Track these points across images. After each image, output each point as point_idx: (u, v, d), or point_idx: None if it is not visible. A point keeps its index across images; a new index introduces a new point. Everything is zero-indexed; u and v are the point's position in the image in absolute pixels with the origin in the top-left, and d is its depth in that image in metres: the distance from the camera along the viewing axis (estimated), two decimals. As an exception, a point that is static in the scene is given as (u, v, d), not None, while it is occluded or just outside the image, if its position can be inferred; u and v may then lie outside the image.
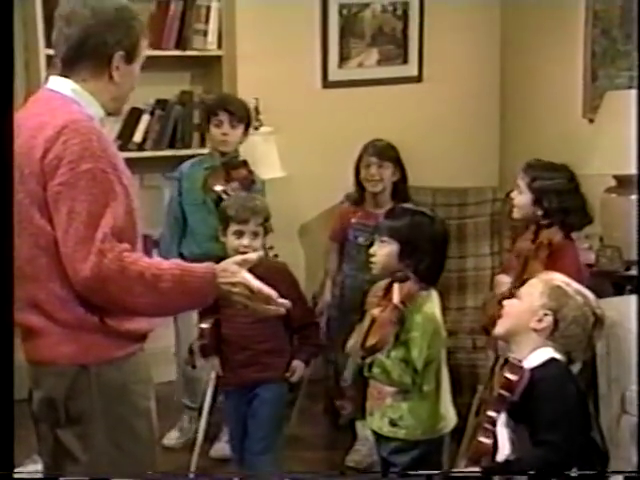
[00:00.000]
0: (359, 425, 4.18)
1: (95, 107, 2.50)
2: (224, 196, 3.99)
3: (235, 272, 2.39)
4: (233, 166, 4.19)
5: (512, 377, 2.51)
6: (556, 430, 2.49)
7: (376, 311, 3.10)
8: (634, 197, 4.27)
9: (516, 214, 3.64)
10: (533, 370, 2.55)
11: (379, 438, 3.20)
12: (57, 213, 2.33)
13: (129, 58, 2.51)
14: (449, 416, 3.17)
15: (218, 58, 5.02)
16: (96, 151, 2.35)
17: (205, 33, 4.97)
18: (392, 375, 3.03)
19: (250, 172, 4.24)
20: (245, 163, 4.24)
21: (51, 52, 4.62)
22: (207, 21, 4.97)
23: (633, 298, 3.65)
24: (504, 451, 2.57)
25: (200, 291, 2.38)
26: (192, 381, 4.44)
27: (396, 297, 3.05)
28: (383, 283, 3.19)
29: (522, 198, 3.56)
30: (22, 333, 2.47)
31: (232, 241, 3.46)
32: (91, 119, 2.44)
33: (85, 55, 2.48)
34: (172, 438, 4.45)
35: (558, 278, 2.71)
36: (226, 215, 3.52)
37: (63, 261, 2.33)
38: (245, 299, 2.39)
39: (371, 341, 3.04)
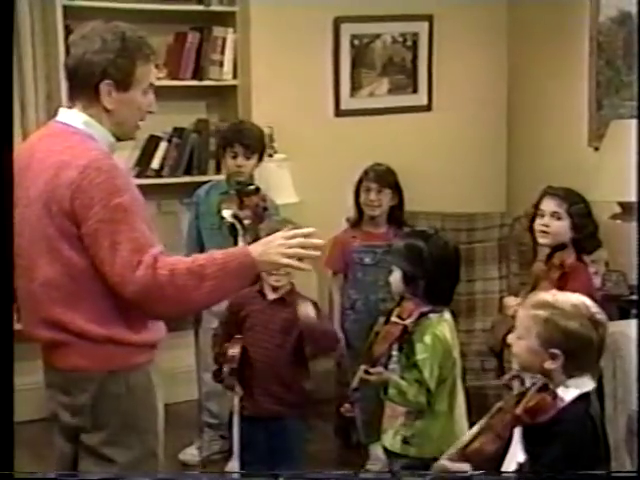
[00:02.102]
0: (371, 445, 4.16)
1: (103, 134, 2.54)
2: (236, 223, 3.99)
3: (268, 241, 2.50)
4: (246, 193, 4.20)
5: (548, 401, 2.41)
6: (558, 474, 2.40)
7: (380, 326, 3.10)
8: (638, 223, 4.27)
9: (550, 240, 3.58)
10: (561, 407, 2.44)
11: (390, 455, 3.20)
12: (100, 248, 2.40)
13: (122, 85, 2.52)
14: (463, 436, 3.15)
15: (233, 87, 5.05)
16: (120, 185, 2.42)
17: (221, 63, 5.00)
18: (408, 396, 3.03)
19: (263, 199, 4.24)
20: (258, 190, 4.25)
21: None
22: (223, 52, 4.99)
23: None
24: (515, 459, 2.52)
25: (242, 267, 2.47)
26: (210, 398, 4.44)
27: (394, 314, 3.07)
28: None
29: (561, 224, 3.55)
30: (48, 347, 2.58)
31: None
32: (103, 155, 2.47)
33: (77, 85, 2.54)
34: (189, 454, 4.46)
35: (544, 304, 2.52)
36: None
37: (115, 288, 2.42)
38: (284, 257, 2.47)
39: (371, 351, 3.05)
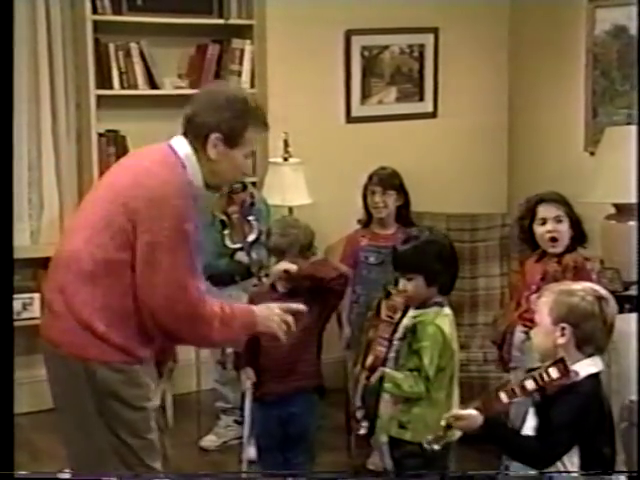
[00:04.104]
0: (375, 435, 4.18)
1: (196, 173, 2.63)
2: (225, 219, 4.13)
3: (270, 310, 2.75)
4: (234, 191, 4.27)
5: (555, 375, 2.46)
6: (560, 441, 2.49)
7: (371, 332, 3.09)
8: (632, 223, 4.27)
9: (560, 247, 3.55)
10: (573, 382, 2.51)
11: (391, 442, 3.18)
12: (143, 264, 2.51)
13: (230, 142, 2.62)
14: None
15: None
16: (189, 215, 2.53)
17: (239, 73, 5.01)
18: (403, 387, 3.01)
19: (251, 196, 4.31)
20: (245, 188, 4.32)
21: (101, 93, 4.76)
22: (241, 63, 5.01)
23: (632, 316, 3.63)
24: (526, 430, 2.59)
25: (249, 324, 2.70)
26: (223, 385, 4.49)
27: (384, 313, 3.04)
28: (373, 304, 3.19)
29: (564, 226, 3.55)
30: (45, 312, 2.68)
31: (272, 263, 3.53)
32: (186, 183, 2.58)
33: (190, 130, 2.64)
34: (208, 441, 4.47)
35: (553, 289, 2.67)
36: (267, 246, 3.60)
37: (150, 305, 2.53)
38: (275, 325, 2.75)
39: (368, 361, 3.04)
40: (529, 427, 2.61)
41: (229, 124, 2.60)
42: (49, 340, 2.61)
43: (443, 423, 2.59)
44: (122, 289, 2.54)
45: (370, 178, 4.47)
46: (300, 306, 2.85)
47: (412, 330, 3.04)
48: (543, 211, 3.59)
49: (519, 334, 3.63)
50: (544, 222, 3.58)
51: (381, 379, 3.03)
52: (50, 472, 2.73)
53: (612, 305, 2.62)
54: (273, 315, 2.74)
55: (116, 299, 2.54)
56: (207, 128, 2.60)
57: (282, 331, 2.75)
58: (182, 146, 2.63)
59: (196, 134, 2.62)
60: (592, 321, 2.57)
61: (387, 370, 3.03)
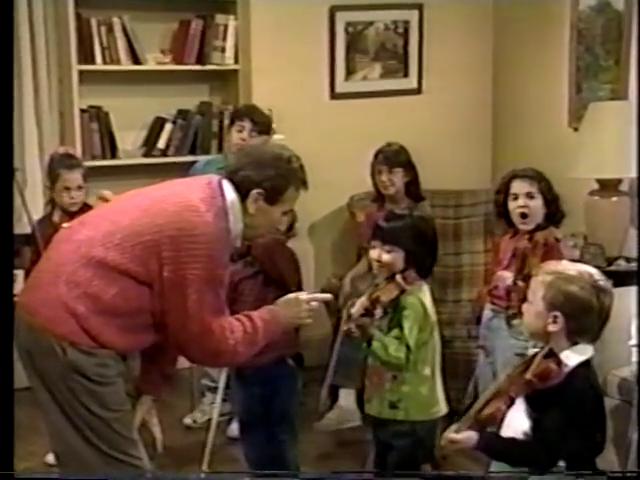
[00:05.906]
0: (342, 393, 4.17)
1: (237, 224, 2.66)
2: None
3: (293, 304, 2.77)
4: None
5: (553, 367, 2.42)
6: (563, 438, 2.41)
7: (375, 292, 3.08)
8: (615, 199, 4.29)
9: (531, 224, 3.52)
10: (566, 375, 2.44)
11: (378, 423, 3.15)
12: (170, 292, 2.54)
13: (270, 199, 2.67)
14: (442, 401, 3.15)
15: (235, 72, 5.04)
16: (224, 261, 2.60)
17: (223, 49, 4.99)
18: (389, 349, 2.97)
19: None
20: None
21: (83, 68, 4.72)
22: (225, 38, 4.99)
23: (616, 291, 3.62)
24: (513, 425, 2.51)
25: (273, 333, 2.74)
26: None
27: (399, 277, 3.05)
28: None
29: (536, 202, 3.53)
30: (31, 279, 2.69)
31: None
32: (226, 231, 2.60)
33: (238, 182, 2.66)
34: (193, 418, 4.46)
35: (552, 271, 2.53)
36: None
37: (175, 335, 2.61)
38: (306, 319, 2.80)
39: (376, 294, 3.05)
40: (520, 422, 2.50)
41: (272, 182, 2.66)
42: (26, 308, 2.59)
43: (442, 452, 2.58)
44: (119, 290, 2.54)
45: (376, 156, 4.47)
46: (326, 296, 2.90)
47: (394, 307, 3.04)
48: (516, 187, 3.58)
49: (487, 312, 3.63)
50: (516, 197, 3.58)
51: (369, 340, 3.00)
52: (41, 472, 2.69)
53: (610, 296, 2.49)
54: (298, 310, 2.78)
55: (109, 296, 2.53)
56: (250, 183, 2.65)
57: (309, 319, 2.79)
58: (229, 192, 2.65)
59: (238, 187, 2.66)
60: (589, 314, 2.45)
61: (377, 332, 3.02)
